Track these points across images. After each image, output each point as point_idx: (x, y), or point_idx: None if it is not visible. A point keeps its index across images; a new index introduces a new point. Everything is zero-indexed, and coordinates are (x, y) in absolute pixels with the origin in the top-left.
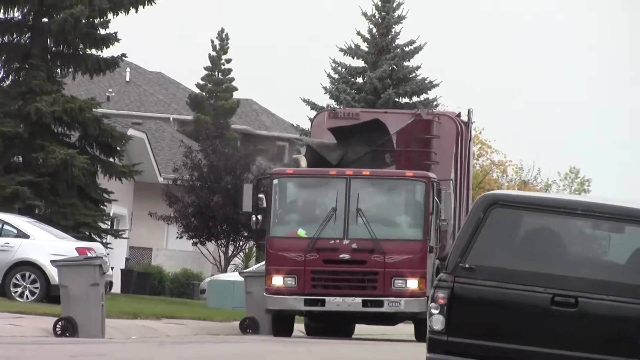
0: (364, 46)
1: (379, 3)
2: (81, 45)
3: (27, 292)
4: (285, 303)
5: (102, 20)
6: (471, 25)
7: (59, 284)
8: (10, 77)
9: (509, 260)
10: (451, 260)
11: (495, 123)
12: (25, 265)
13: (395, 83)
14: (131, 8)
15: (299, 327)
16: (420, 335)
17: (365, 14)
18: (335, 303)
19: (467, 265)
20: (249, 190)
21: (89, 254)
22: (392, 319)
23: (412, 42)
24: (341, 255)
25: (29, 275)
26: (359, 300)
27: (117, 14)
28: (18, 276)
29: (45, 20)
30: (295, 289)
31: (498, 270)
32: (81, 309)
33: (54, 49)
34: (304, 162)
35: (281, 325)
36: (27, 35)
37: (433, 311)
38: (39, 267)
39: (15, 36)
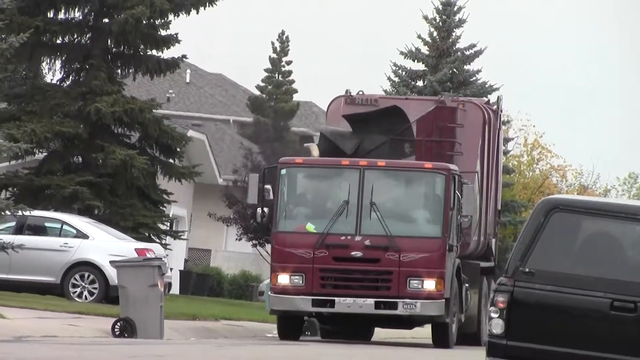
0: (424, 49)
1: (440, 6)
2: (142, 46)
3: (85, 293)
4: (292, 303)
5: (162, 21)
6: (531, 28)
7: (118, 285)
8: (70, 77)
9: (569, 264)
10: (511, 264)
11: (555, 127)
12: (84, 266)
13: (456, 86)
14: (192, 9)
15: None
16: (438, 340)
17: (426, 17)
18: (345, 304)
19: (526, 269)
20: (255, 180)
21: (148, 255)
22: (407, 322)
23: (472, 45)
24: (353, 253)
25: (88, 276)
26: (371, 301)
27: (178, 15)
28: (77, 276)
29: (106, 20)
30: (303, 289)
31: (557, 275)
32: (140, 310)
33: (114, 49)
34: (315, 151)
35: (288, 327)
36: (87, 35)
37: (492, 315)
38: (97, 267)
39: (75, 36)
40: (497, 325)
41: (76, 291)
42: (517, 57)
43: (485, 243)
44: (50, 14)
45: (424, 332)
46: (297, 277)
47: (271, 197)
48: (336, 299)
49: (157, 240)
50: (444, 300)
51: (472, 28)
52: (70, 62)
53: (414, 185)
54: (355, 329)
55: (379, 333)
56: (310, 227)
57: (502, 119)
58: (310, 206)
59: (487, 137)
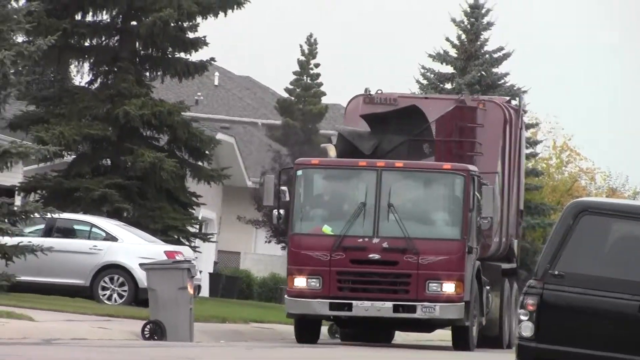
0: (453, 52)
1: (468, 9)
2: (170, 49)
3: (115, 295)
4: (309, 307)
5: (191, 23)
6: (559, 31)
7: (148, 287)
8: (98, 80)
9: (598, 267)
10: (540, 266)
11: (584, 130)
12: (114, 268)
13: (484, 89)
14: (220, 12)
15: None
16: (458, 344)
17: (454, 20)
18: (363, 308)
19: (556, 272)
20: (271, 182)
21: (178, 258)
22: (426, 325)
23: (500, 48)
24: (370, 255)
25: (117, 278)
26: (389, 304)
27: (206, 18)
28: (106, 279)
29: (134, 23)
30: (320, 292)
31: (587, 277)
32: (169, 313)
33: (142, 52)
34: (332, 152)
35: (305, 330)
36: (115, 38)
37: (522, 317)
38: (127, 270)
39: (103, 39)
40: (526, 328)
41: (106, 294)
42: (545, 60)
43: (507, 244)
44: (78, 17)
45: (448, 334)
46: (314, 280)
47: (287, 198)
48: (354, 302)
49: (187, 243)
50: (463, 303)
51: (500, 31)
52: (98, 64)
53: (432, 186)
54: (375, 332)
55: (401, 335)
56: (327, 229)
57: (524, 118)
58: (327, 208)
59: (509, 136)
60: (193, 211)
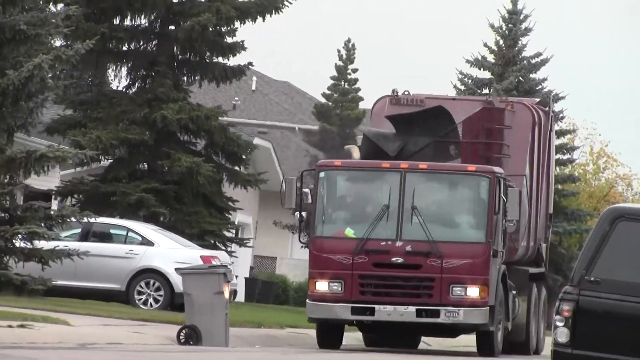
0: (490, 58)
1: (506, 15)
2: (208, 53)
3: (151, 300)
4: (331, 311)
5: (229, 28)
6: (596, 36)
7: (183, 292)
8: (136, 84)
9: (634, 273)
10: (576, 272)
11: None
12: (150, 273)
13: (522, 95)
14: (258, 16)
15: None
16: (483, 349)
17: (492, 26)
18: (386, 312)
19: (592, 278)
20: (292, 184)
21: (214, 262)
22: (450, 330)
23: (538, 54)
24: (393, 259)
25: (153, 283)
26: (412, 309)
27: (244, 23)
28: (142, 283)
29: (172, 27)
30: (342, 296)
31: (623, 284)
32: (205, 317)
33: (180, 56)
34: (356, 154)
35: (328, 335)
36: (153, 42)
37: (558, 323)
38: (163, 274)
39: (141, 43)
40: (562, 334)
41: (141, 298)
42: (583, 66)
43: (535, 248)
44: (116, 21)
45: (473, 340)
46: (335, 283)
47: (310, 201)
48: (376, 306)
49: (223, 248)
50: (488, 308)
51: (538, 36)
52: (136, 69)
53: (457, 188)
54: (400, 337)
55: (426, 340)
56: (350, 232)
57: (554, 120)
58: (349, 210)
59: (537, 138)
60: (229, 216)
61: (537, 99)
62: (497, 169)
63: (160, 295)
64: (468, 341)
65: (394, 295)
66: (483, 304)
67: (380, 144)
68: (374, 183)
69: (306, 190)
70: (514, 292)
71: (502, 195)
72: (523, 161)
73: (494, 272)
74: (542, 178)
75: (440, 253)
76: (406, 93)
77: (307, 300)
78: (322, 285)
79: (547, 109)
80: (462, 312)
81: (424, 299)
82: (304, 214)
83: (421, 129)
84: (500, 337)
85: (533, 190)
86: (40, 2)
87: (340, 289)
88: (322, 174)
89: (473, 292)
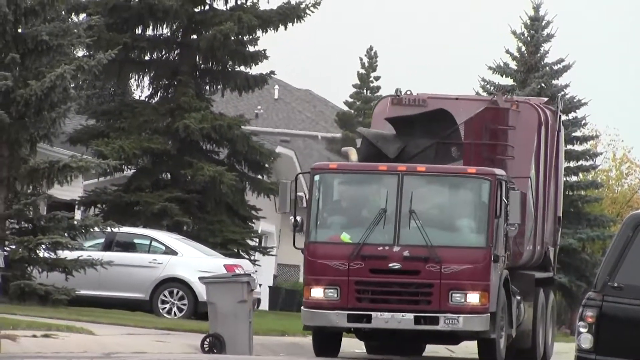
0: (513, 64)
1: (528, 21)
2: (230, 62)
3: (174, 309)
4: (326, 319)
5: (251, 37)
6: (618, 41)
7: (207, 301)
8: (158, 93)
9: None
10: (600, 278)
11: None
12: (173, 282)
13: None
14: (280, 25)
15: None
16: (484, 358)
17: (514, 33)
18: (383, 319)
19: (615, 284)
20: (287, 187)
21: (237, 271)
22: (451, 337)
23: (561, 60)
24: (391, 264)
25: (177, 292)
26: (410, 316)
27: (266, 31)
28: (166, 293)
29: (194, 37)
30: (338, 303)
31: None
32: (229, 326)
33: (202, 65)
34: (354, 156)
35: (324, 344)
36: (175, 52)
37: (581, 330)
38: (186, 283)
39: (164, 53)
40: (585, 340)
41: (165, 307)
42: (605, 72)
43: (542, 252)
44: (139, 31)
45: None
46: (331, 290)
47: (305, 205)
48: (373, 313)
49: (246, 256)
50: (489, 314)
51: (560, 43)
52: (158, 78)
53: (456, 191)
54: (403, 344)
55: (432, 346)
56: (346, 237)
57: (562, 119)
58: (345, 215)
59: (544, 139)
60: (253, 224)
61: (545, 99)
62: (498, 171)
63: (184, 304)
64: (470, 348)
65: (391, 302)
66: (484, 310)
67: (380, 146)
68: (370, 186)
69: (301, 194)
70: (519, 297)
71: (503, 198)
72: (528, 163)
73: (495, 277)
74: (549, 180)
75: (439, 258)
76: (408, 93)
77: (302, 308)
78: (317, 292)
79: (554, 108)
80: (461, 319)
81: (423, 306)
82: (298, 218)
83: (422, 130)
84: (503, 344)
85: (539, 192)
86: (63, 13)
87: (336, 295)
88: (317, 177)
89: (473, 298)
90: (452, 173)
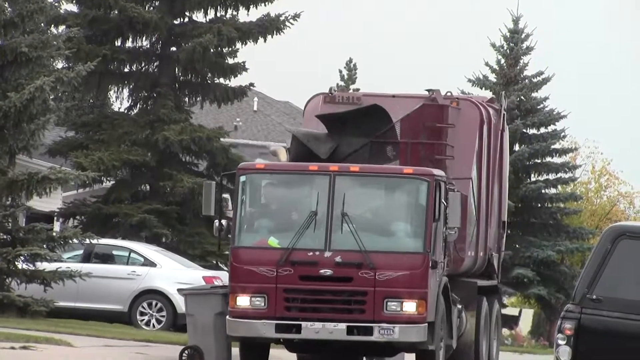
0: (492, 77)
1: (508, 34)
2: (209, 75)
3: (153, 321)
4: (253, 329)
5: (230, 49)
6: (598, 55)
7: (186, 313)
8: (138, 105)
9: (636, 291)
10: (578, 291)
11: (623, 154)
12: (152, 294)
13: (523, 114)
14: (260, 37)
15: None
16: None
17: (493, 45)
18: (313, 330)
19: (594, 297)
20: (211, 189)
21: (216, 283)
22: (387, 349)
23: (540, 73)
24: (322, 271)
25: (156, 304)
26: (342, 326)
27: (246, 44)
28: (145, 304)
29: (174, 49)
30: (265, 312)
31: (625, 302)
32: (207, 338)
33: (182, 77)
34: (283, 156)
35: (251, 355)
36: (155, 64)
37: (560, 342)
38: (165, 295)
39: (143, 65)
40: (564, 352)
41: (144, 319)
42: (585, 84)
43: (485, 259)
44: (118, 43)
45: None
46: (258, 298)
47: (230, 208)
48: (303, 323)
49: (225, 268)
50: (426, 324)
51: (539, 55)
52: (137, 90)
53: (392, 193)
54: (337, 357)
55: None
56: (273, 241)
57: (506, 119)
58: (273, 218)
59: (487, 139)
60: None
61: (489, 96)
62: (436, 171)
63: (163, 316)
64: None
65: (322, 310)
66: (421, 320)
67: (310, 146)
68: (300, 187)
69: (226, 195)
70: (460, 306)
71: (442, 200)
72: (469, 163)
73: (433, 285)
74: (492, 182)
75: (373, 264)
76: (342, 89)
77: (227, 317)
78: (243, 301)
79: (498, 106)
80: (397, 329)
81: (356, 315)
82: (223, 222)
83: (355, 128)
84: (442, 356)
85: (482, 195)
86: (42, 25)
87: (263, 304)
88: (242, 178)
89: (410, 307)
90: (388, 173)
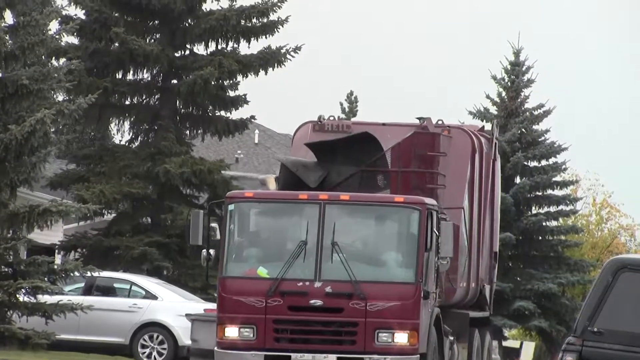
0: (493, 109)
1: (509, 67)
2: (210, 107)
3: (154, 353)
4: None
5: (231, 82)
6: (600, 88)
7: (191, 338)
8: (139, 138)
9: (637, 324)
10: (579, 323)
11: (624, 186)
12: (153, 326)
13: (525, 146)
14: (261, 70)
15: None
16: None
17: (494, 78)
18: None
19: (595, 329)
20: (198, 218)
21: None
22: None
23: (541, 105)
24: (312, 301)
25: (157, 336)
26: (333, 357)
27: (247, 76)
28: (146, 337)
29: (175, 81)
30: (254, 343)
31: (626, 334)
32: None
33: (183, 110)
34: (272, 185)
35: None
36: (156, 96)
37: None
38: (166, 328)
39: (144, 97)
40: None
41: (145, 352)
42: (586, 116)
43: (477, 290)
44: (119, 75)
45: None
46: (247, 329)
47: (218, 237)
48: (292, 354)
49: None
50: (418, 355)
51: (540, 88)
52: (138, 123)
53: (383, 222)
54: None
55: None
56: (263, 271)
57: (497, 148)
58: (262, 247)
59: (479, 168)
60: None
61: (480, 125)
62: (428, 200)
63: (164, 349)
64: None
65: (312, 342)
66: (412, 351)
67: (300, 174)
68: (290, 216)
69: (214, 225)
70: (452, 338)
71: (434, 229)
72: (461, 192)
73: (425, 315)
74: (484, 212)
75: (364, 295)
76: (331, 118)
77: (215, 349)
78: (232, 332)
79: (489, 136)
80: None
81: (346, 346)
82: (211, 251)
83: (345, 156)
84: None
85: (474, 225)
86: (43, 57)
87: (252, 335)
88: (231, 207)
89: (401, 338)
90: (379, 202)
